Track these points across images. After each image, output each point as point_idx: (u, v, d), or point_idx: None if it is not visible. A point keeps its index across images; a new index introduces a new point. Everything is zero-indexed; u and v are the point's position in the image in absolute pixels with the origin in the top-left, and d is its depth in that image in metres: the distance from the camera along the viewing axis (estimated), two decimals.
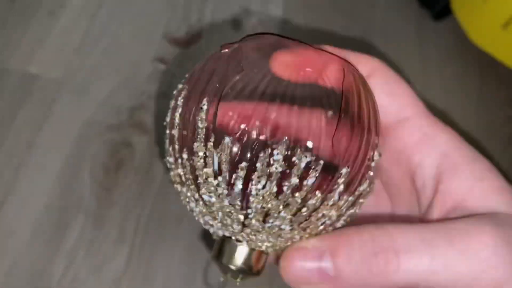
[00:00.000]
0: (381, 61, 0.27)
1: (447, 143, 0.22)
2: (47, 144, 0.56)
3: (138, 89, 0.62)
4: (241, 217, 0.22)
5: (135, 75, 0.63)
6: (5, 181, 0.53)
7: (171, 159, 0.28)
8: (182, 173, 0.25)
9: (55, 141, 0.57)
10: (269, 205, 0.20)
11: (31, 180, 0.54)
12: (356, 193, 0.22)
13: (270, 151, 0.20)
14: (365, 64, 0.26)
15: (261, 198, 0.20)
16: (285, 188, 0.20)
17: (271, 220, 0.21)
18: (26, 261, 0.50)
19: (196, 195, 0.24)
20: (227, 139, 0.21)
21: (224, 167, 0.21)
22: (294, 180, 0.20)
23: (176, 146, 0.26)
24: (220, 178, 0.21)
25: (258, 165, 0.20)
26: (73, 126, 0.58)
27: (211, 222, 0.24)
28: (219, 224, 0.23)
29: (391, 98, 0.25)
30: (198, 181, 0.23)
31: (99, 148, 0.57)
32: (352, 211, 0.23)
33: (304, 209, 0.21)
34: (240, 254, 0.24)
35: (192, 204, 0.26)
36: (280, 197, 0.20)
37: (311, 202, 0.20)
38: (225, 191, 0.21)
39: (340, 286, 0.20)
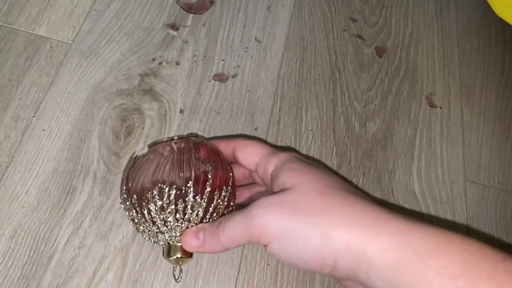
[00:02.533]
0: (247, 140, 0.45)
1: (277, 161, 0.39)
2: (55, 107, 0.54)
3: (149, 55, 0.60)
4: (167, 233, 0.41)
5: (147, 41, 0.61)
6: (11, 143, 0.51)
7: (129, 210, 0.43)
8: (135, 217, 0.42)
9: (63, 104, 0.55)
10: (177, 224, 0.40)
11: (38, 143, 0.52)
12: (210, 208, 0.41)
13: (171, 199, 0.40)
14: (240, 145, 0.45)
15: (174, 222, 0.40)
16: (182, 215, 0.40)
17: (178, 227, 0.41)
18: (31, 225, 0.48)
19: (148, 228, 0.42)
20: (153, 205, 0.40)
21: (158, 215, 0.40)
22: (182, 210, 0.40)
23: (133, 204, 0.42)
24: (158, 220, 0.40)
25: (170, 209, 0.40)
26: (82, 90, 0.56)
27: (154, 239, 0.42)
28: (160, 237, 0.42)
29: (248, 155, 0.43)
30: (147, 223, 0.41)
31: (109, 113, 0.55)
32: (214, 215, 0.41)
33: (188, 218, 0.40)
34: (175, 248, 0.41)
35: (142, 230, 0.43)
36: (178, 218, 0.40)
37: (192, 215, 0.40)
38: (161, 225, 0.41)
39: (206, 249, 0.38)
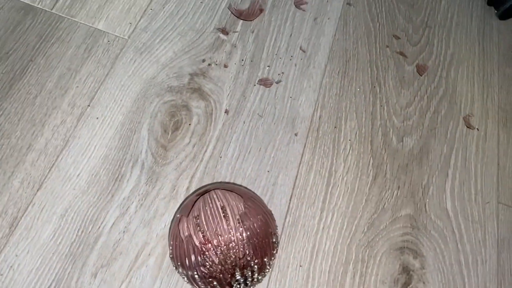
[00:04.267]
0: None
1: None
2: (109, 98, 0.57)
3: (199, 56, 0.63)
4: None
5: (198, 42, 0.64)
6: (67, 128, 0.54)
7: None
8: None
9: (117, 95, 0.58)
10: None
11: (91, 130, 0.55)
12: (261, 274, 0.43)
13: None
14: None
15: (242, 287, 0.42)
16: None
17: None
18: (81, 206, 0.51)
19: None
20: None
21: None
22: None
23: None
24: None
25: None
26: (135, 84, 0.59)
27: None
28: None
29: None
30: None
31: (159, 108, 0.58)
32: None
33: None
34: None
35: None
36: (248, 285, 0.42)
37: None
38: None
39: None
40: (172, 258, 0.44)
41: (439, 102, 0.65)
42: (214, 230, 0.42)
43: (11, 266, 0.47)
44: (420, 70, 0.68)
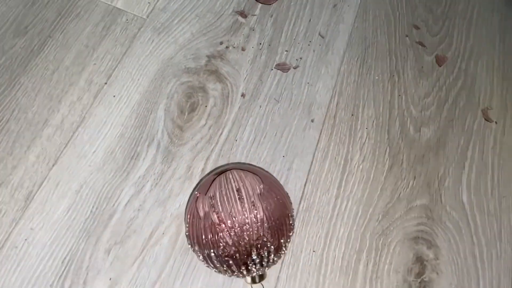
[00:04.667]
0: None
1: None
2: (126, 77, 0.57)
3: (217, 38, 0.62)
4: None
5: (216, 24, 0.63)
6: (83, 104, 0.54)
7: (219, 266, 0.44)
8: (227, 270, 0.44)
9: (134, 74, 0.57)
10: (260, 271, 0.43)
11: (108, 108, 0.55)
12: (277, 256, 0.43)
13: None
14: None
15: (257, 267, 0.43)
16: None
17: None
18: (96, 183, 0.50)
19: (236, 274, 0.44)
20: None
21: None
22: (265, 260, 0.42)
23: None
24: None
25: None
26: (152, 64, 0.58)
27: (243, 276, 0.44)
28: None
29: None
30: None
31: (176, 88, 0.57)
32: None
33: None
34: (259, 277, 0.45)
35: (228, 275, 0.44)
36: (264, 265, 0.43)
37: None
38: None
39: None
40: (188, 236, 0.44)
41: (458, 94, 0.65)
42: (229, 211, 0.42)
43: (25, 239, 0.47)
44: (440, 61, 0.67)
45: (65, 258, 0.47)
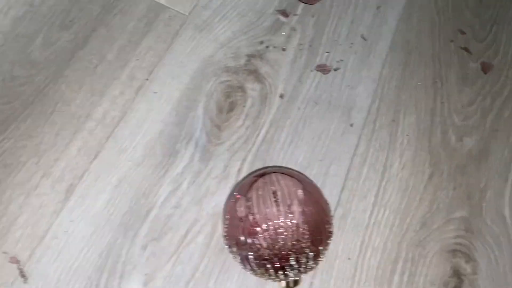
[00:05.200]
0: None
1: None
2: (167, 73, 0.57)
3: (258, 38, 0.62)
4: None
5: (257, 24, 0.63)
6: (125, 99, 0.55)
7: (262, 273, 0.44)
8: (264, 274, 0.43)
9: (175, 72, 0.58)
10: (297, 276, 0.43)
11: (149, 104, 0.55)
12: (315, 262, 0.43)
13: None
14: None
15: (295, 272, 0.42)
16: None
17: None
18: (134, 178, 0.51)
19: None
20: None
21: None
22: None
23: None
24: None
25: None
26: (193, 61, 0.59)
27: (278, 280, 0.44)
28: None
29: None
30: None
31: (215, 87, 0.57)
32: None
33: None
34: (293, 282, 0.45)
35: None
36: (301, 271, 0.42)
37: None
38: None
39: None
40: (225, 237, 0.44)
41: (503, 103, 0.62)
42: (264, 214, 0.42)
43: (65, 231, 0.48)
44: (485, 68, 0.65)
45: (102, 251, 0.48)
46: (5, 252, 0.47)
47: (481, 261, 0.52)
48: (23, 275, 0.46)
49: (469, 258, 0.52)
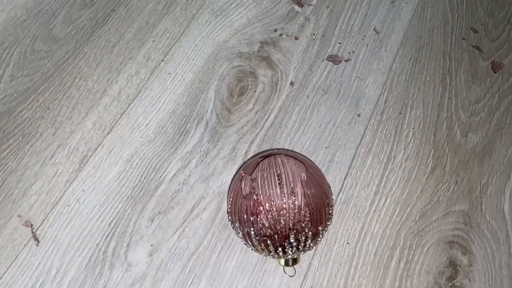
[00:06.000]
0: None
1: None
2: (182, 56, 0.59)
3: (272, 25, 0.63)
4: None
5: (272, 11, 0.64)
6: (140, 78, 0.57)
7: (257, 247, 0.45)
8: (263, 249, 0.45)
9: (189, 54, 0.59)
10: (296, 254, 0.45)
11: (163, 84, 0.57)
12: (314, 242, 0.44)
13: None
14: None
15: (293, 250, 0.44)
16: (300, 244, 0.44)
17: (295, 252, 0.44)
18: (146, 154, 0.53)
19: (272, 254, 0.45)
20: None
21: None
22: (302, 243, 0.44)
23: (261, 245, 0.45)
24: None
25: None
26: (208, 45, 0.60)
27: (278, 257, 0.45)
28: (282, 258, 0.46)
29: None
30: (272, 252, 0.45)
31: (228, 71, 0.59)
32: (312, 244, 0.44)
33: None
34: (292, 260, 0.47)
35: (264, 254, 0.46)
36: (300, 249, 0.44)
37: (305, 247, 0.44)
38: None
39: None
40: (229, 213, 0.46)
41: (511, 103, 0.63)
42: (267, 195, 0.43)
43: (77, 200, 0.51)
44: (495, 67, 0.66)
45: (112, 221, 0.50)
46: (19, 216, 0.49)
47: (478, 254, 0.53)
48: (35, 238, 0.48)
49: (466, 251, 0.53)
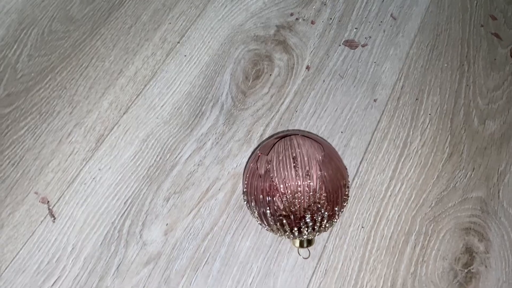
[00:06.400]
0: None
1: None
2: (198, 38, 0.59)
3: (288, 9, 0.63)
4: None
5: None
6: (156, 60, 0.57)
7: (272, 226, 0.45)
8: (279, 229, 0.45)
9: (205, 37, 0.59)
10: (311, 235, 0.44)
11: (179, 66, 0.57)
12: (329, 223, 0.44)
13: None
14: None
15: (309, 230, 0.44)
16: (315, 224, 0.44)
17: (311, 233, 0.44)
18: (161, 135, 0.53)
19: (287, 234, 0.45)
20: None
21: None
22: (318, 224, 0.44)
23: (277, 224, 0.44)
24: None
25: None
26: (223, 28, 0.60)
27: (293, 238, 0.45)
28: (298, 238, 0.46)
29: None
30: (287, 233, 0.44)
31: (243, 55, 0.59)
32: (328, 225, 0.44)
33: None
34: (307, 242, 0.46)
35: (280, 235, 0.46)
36: (315, 230, 0.44)
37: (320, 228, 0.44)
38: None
39: None
40: (245, 193, 0.46)
41: None
42: (282, 177, 0.43)
43: (93, 178, 0.51)
44: None
45: (127, 199, 0.50)
46: (36, 193, 0.50)
47: (495, 241, 0.53)
48: (52, 215, 0.48)
49: (483, 237, 0.53)
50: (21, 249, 0.47)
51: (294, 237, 0.45)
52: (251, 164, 0.46)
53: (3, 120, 0.52)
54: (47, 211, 0.49)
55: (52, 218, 0.48)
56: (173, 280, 0.47)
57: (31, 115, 0.53)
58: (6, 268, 0.46)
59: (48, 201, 0.49)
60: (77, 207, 0.49)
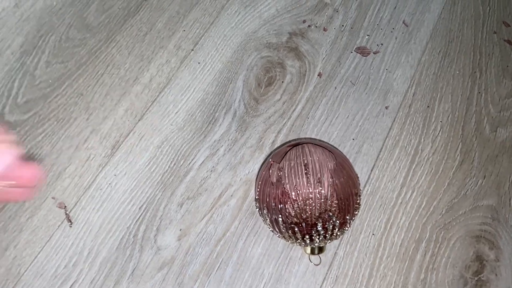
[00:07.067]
0: None
1: None
2: (211, 46, 0.60)
3: (300, 16, 0.63)
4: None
5: (301, 3, 0.64)
6: (171, 67, 0.58)
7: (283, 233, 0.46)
8: (290, 236, 0.45)
9: (219, 44, 0.60)
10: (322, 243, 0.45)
11: (192, 73, 0.58)
12: (341, 231, 0.45)
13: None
14: None
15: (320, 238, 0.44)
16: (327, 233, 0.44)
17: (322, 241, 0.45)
18: (175, 141, 0.54)
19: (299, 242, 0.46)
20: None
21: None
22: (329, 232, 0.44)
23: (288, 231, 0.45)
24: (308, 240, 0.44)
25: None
26: (236, 36, 0.61)
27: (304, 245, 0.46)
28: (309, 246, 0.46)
29: None
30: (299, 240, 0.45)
31: (256, 62, 0.59)
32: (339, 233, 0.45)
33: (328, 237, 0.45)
34: (318, 249, 0.47)
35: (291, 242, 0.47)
36: (327, 237, 0.44)
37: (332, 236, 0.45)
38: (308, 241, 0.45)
39: None
40: (257, 200, 0.46)
41: None
42: (294, 184, 0.44)
43: (109, 184, 0.52)
44: None
45: (142, 205, 0.51)
46: (53, 198, 0.51)
47: (505, 249, 0.53)
48: (69, 220, 0.50)
49: (493, 245, 0.53)
50: (39, 252, 0.48)
51: (306, 245, 0.45)
52: (263, 172, 0.47)
53: (22, 126, 0.54)
54: (64, 216, 0.50)
55: (69, 223, 0.50)
56: (186, 285, 0.48)
57: (49, 121, 0.54)
58: (25, 271, 0.47)
59: (65, 206, 0.50)
60: (93, 212, 0.51)
